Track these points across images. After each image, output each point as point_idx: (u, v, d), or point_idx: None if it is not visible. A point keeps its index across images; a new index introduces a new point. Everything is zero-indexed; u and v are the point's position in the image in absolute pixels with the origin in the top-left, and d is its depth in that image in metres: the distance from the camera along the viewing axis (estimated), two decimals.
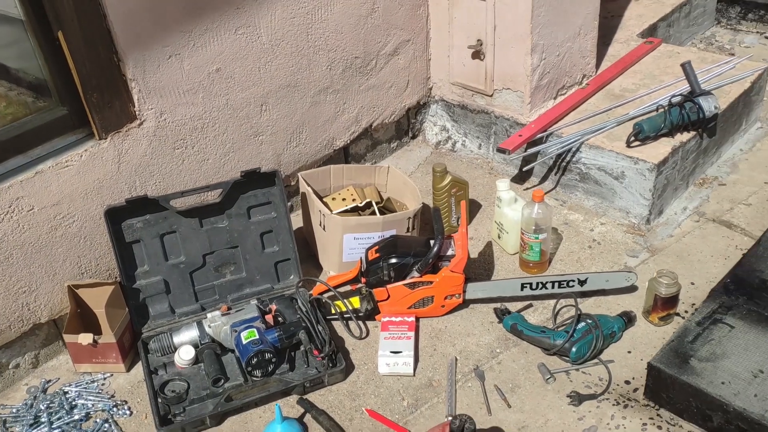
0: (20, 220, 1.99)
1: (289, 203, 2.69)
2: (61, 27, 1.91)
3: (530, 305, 2.32)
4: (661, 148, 2.55)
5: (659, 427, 1.91)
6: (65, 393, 2.09)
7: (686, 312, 2.23)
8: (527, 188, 2.83)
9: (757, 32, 3.86)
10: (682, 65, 2.65)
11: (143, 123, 2.16)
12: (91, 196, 2.12)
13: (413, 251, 2.23)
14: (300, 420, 1.98)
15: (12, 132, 1.98)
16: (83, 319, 2.19)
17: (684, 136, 2.61)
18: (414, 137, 3.16)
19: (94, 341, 2.08)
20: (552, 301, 2.29)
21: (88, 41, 1.96)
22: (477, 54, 2.81)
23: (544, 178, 2.83)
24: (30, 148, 2.01)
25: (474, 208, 2.77)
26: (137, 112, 2.13)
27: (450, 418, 1.78)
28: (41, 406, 2.05)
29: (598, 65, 3.08)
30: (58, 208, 2.06)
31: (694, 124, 2.61)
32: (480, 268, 2.50)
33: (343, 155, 2.86)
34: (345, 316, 2.27)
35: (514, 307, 2.30)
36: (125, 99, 2.09)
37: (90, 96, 2.02)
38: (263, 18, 2.33)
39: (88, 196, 2.11)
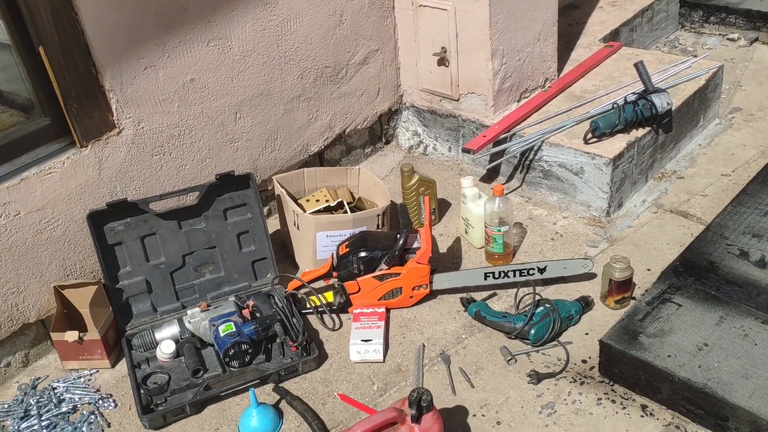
0: (7, 224, 2.12)
1: (266, 207, 2.83)
2: (42, 43, 2.05)
3: (494, 294, 2.44)
4: (617, 143, 2.69)
5: (613, 401, 2.02)
6: (53, 388, 2.21)
7: (638, 300, 2.35)
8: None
9: (719, 34, 4.01)
10: (635, 65, 2.80)
11: (122, 131, 2.29)
12: (74, 201, 2.25)
13: (381, 245, 2.35)
14: (275, 406, 2.09)
15: None
16: (69, 318, 2.30)
17: (639, 132, 2.75)
18: (387, 142, 3.30)
19: (80, 338, 2.19)
20: (514, 290, 2.41)
21: (67, 55, 2.10)
22: (442, 61, 2.96)
23: (510, 177, 2.96)
24: (15, 157, 2.14)
25: (444, 206, 2.90)
26: (116, 121, 2.27)
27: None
28: (31, 401, 2.16)
29: (560, 69, 3.22)
30: (43, 212, 2.19)
31: (648, 120, 2.75)
32: (449, 262, 2.63)
33: (319, 160, 3.00)
34: (319, 309, 2.39)
35: (479, 297, 2.42)
36: (104, 109, 2.23)
37: (70, 106, 2.15)
38: (234, 30, 2.47)
39: (71, 200, 2.24)
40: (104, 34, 2.15)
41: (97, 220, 2.25)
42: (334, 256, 2.40)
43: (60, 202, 2.22)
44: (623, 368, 2.02)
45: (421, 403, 1.69)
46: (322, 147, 2.98)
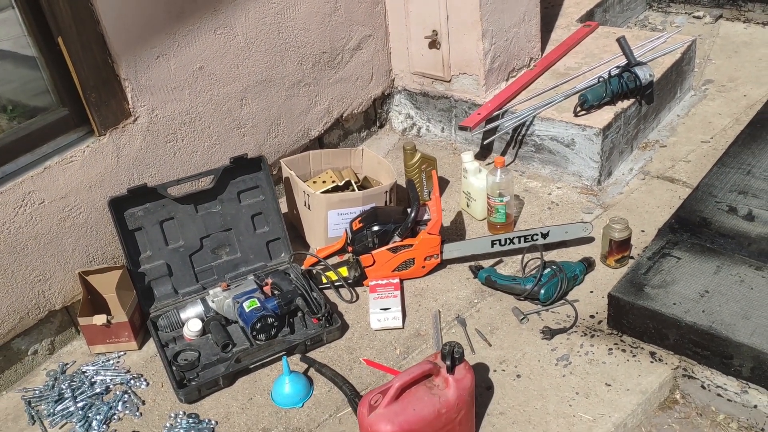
0: (33, 213, 2.17)
1: None
2: (61, 33, 2.10)
3: (500, 261, 2.57)
4: (605, 114, 2.84)
5: (623, 350, 2.16)
6: (84, 372, 2.26)
7: (639, 255, 2.50)
8: (489, 163, 3.09)
9: (686, 13, 4.20)
10: (617, 40, 2.95)
11: (137, 119, 2.35)
12: (95, 189, 2.31)
13: (393, 219, 2.46)
14: (305, 374, 2.18)
15: (21, 132, 2.17)
16: (93, 304, 2.36)
17: (625, 104, 2.90)
18: (381, 126, 3.40)
19: (108, 322, 2.25)
20: (519, 257, 2.54)
21: (84, 45, 2.16)
22: (433, 44, 3.07)
23: (503, 153, 3.09)
24: (37, 146, 2.19)
25: (442, 184, 3.02)
26: (132, 109, 2.33)
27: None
28: (63, 385, 2.22)
29: (543, 49, 3.36)
30: (66, 200, 2.24)
31: (633, 92, 2.90)
32: (453, 234, 2.74)
33: (318, 144, 3.09)
34: (336, 284, 2.48)
35: (486, 264, 2.54)
36: (120, 97, 2.29)
37: (89, 96, 2.21)
38: (238, 19, 2.55)
39: (92, 188, 2.29)
40: (119, 24, 2.21)
41: (118, 206, 2.31)
42: (348, 231, 2.50)
43: (82, 190, 2.27)
44: (632, 318, 2.15)
45: (454, 355, 1.80)
46: (322, 131, 3.07)
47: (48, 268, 2.26)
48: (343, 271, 2.49)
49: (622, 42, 2.93)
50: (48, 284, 2.27)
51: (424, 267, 2.49)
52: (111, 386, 2.22)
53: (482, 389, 2.08)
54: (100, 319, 2.24)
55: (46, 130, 2.20)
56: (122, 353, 2.33)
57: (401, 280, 2.49)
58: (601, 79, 2.91)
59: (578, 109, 2.84)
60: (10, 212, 2.13)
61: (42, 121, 2.20)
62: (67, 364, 2.33)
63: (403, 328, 2.33)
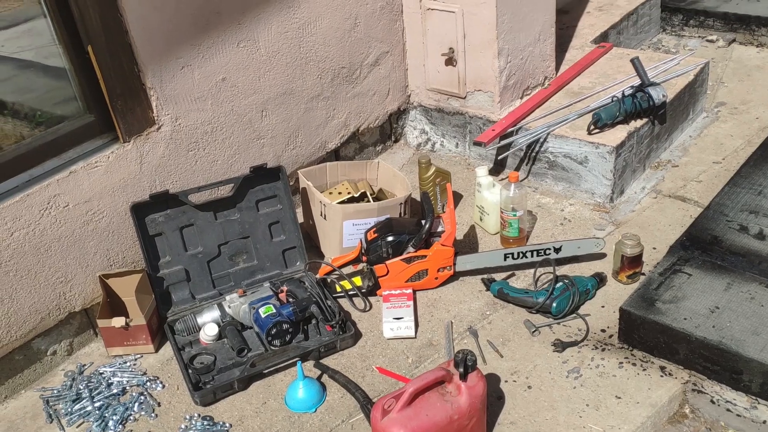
0: (57, 216, 2.23)
1: None
2: (91, 42, 2.17)
3: (513, 274, 2.60)
4: (618, 133, 2.88)
5: (633, 364, 2.19)
6: (101, 373, 2.30)
7: (650, 272, 2.53)
8: (502, 178, 3.14)
9: (699, 36, 4.26)
10: (632, 60, 3.00)
11: (161, 127, 2.41)
12: (118, 194, 2.36)
13: (407, 230, 2.50)
14: (318, 380, 2.21)
15: (48, 137, 2.23)
16: (112, 307, 2.40)
17: (638, 123, 2.94)
18: (396, 141, 3.46)
19: (127, 324, 2.29)
20: (531, 270, 2.57)
21: (113, 54, 2.22)
22: (450, 61, 3.13)
23: (516, 169, 3.13)
24: (63, 151, 2.25)
25: (456, 198, 3.06)
26: (156, 118, 2.39)
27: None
28: (80, 385, 2.26)
29: (558, 68, 3.42)
30: (90, 204, 2.30)
31: (646, 112, 2.95)
32: (466, 248, 2.78)
33: (335, 157, 3.14)
34: (350, 293, 2.52)
35: (498, 277, 2.57)
36: (145, 106, 2.35)
37: (115, 103, 2.27)
38: (261, 32, 2.62)
39: (114, 193, 2.35)
40: (146, 35, 2.28)
41: (140, 211, 2.37)
42: (363, 241, 2.54)
43: (105, 195, 2.33)
44: (643, 333, 2.18)
45: (467, 363, 1.83)
46: (339, 144, 3.12)
47: (70, 270, 2.31)
48: (357, 280, 2.53)
49: (635, 63, 2.98)
50: (69, 286, 2.32)
51: (437, 278, 2.53)
52: (127, 388, 2.26)
53: (493, 399, 2.10)
54: (119, 322, 2.29)
55: (73, 136, 2.26)
56: (139, 356, 2.37)
57: (414, 291, 2.52)
58: (614, 99, 2.96)
59: (592, 127, 2.89)
60: (36, 214, 2.19)
61: (69, 126, 2.27)
62: (85, 365, 2.37)
63: (415, 337, 2.36)
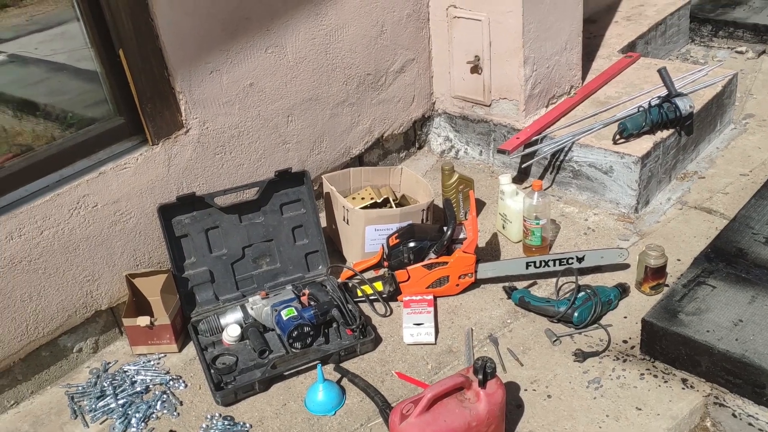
0: (86, 216, 2.27)
1: None
2: (122, 46, 2.22)
3: (534, 283, 2.59)
4: (644, 143, 2.86)
5: (655, 376, 2.17)
6: (125, 371, 2.34)
7: (674, 283, 2.51)
8: (525, 187, 3.13)
9: (728, 48, 4.22)
10: (659, 70, 2.99)
11: (189, 131, 2.46)
12: (145, 195, 2.41)
13: (429, 236, 2.51)
14: (338, 384, 2.23)
15: (79, 138, 2.28)
16: (137, 306, 2.45)
17: (664, 134, 2.92)
18: (420, 147, 3.47)
19: (151, 323, 2.33)
20: (553, 280, 2.56)
21: (143, 58, 2.27)
22: (475, 68, 3.14)
23: (540, 177, 3.13)
24: (93, 152, 2.30)
25: (478, 205, 3.06)
26: (184, 121, 2.43)
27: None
28: (104, 383, 2.30)
29: (584, 77, 3.41)
30: (118, 205, 2.34)
31: (672, 122, 2.93)
32: (488, 255, 2.78)
33: (358, 163, 3.17)
34: (371, 297, 2.53)
35: (520, 285, 2.57)
36: (174, 109, 2.39)
37: (145, 106, 2.32)
38: (289, 38, 2.65)
39: (142, 194, 2.40)
40: (177, 40, 2.32)
41: (167, 213, 2.41)
42: (385, 247, 2.56)
43: (133, 196, 2.37)
44: (664, 344, 2.16)
45: (486, 370, 1.83)
46: (363, 150, 3.15)
47: (97, 269, 2.36)
48: (378, 285, 2.54)
49: (663, 73, 2.97)
50: (96, 285, 2.37)
51: (458, 285, 2.53)
52: (151, 386, 2.29)
53: (512, 407, 2.10)
54: (144, 321, 2.33)
55: (103, 138, 2.31)
56: (163, 355, 2.41)
57: (435, 297, 2.53)
58: (641, 109, 2.95)
59: (617, 137, 2.87)
60: (65, 214, 2.24)
61: (99, 128, 2.32)
62: (109, 362, 2.41)
63: (435, 343, 2.37)
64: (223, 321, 2.40)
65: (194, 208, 2.46)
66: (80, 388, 2.32)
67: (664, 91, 3.01)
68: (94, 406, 2.23)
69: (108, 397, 2.24)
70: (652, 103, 2.95)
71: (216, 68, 2.46)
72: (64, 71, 2.39)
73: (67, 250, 2.27)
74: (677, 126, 2.96)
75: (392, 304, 2.55)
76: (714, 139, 3.32)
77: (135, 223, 2.41)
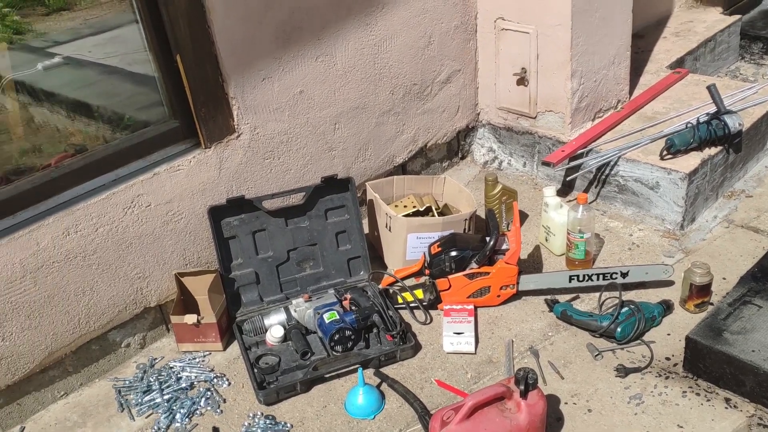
0: (140, 215, 2.35)
1: None
2: (179, 51, 2.29)
3: (577, 297, 2.59)
4: (692, 160, 2.84)
5: (697, 394, 2.15)
6: (171, 367, 2.41)
7: (719, 302, 2.48)
8: (569, 200, 3.13)
9: None
10: (708, 87, 2.96)
11: (240, 136, 2.52)
12: (197, 197, 2.47)
13: (471, 246, 2.53)
14: (377, 388, 2.25)
15: (135, 140, 2.36)
16: (185, 304, 2.51)
17: (712, 151, 2.90)
18: (463, 158, 3.49)
19: (198, 322, 2.39)
20: (596, 294, 2.55)
21: (199, 63, 2.34)
22: (521, 81, 3.15)
23: (585, 191, 3.12)
24: (148, 153, 2.37)
25: (521, 217, 3.06)
26: (236, 126, 2.50)
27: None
28: (151, 378, 2.36)
29: (631, 92, 3.39)
30: (170, 205, 2.41)
31: (721, 140, 2.90)
32: (530, 268, 2.78)
33: (402, 171, 3.20)
34: (411, 305, 2.56)
35: (562, 299, 2.57)
36: (227, 114, 2.46)
37: (199, 110, 2.38)
38: (339, 48, 2.71)
39: (194, 196, 2.46)
40: (231, 46, 2.39)
41: (216, 214, 2.47)
42: (426, 255, 2.58)
43: (185, 197, 2.44)
44: (708, 362, 2.14)
45: (528, 380, 1.84)
46: (406, 159, 3.18)
47: (148, 267, 2.43)
48: (419, 293, 2.57)
49: (712, 90, 2.94)
50: (146, 282, 2.44)
51: (499, 296, 2.54)
52: (195, 383, 2.35)
53: (552, 420, 2.10)
54: (191, 319, 2.38)
55: (158, 140, 2.38)
56: (208, 353, 2.46)
57: (475, 307, 2.54)
58: (689, 125, 2.92)
59: (664, 152, 2.86)
60: (120, 212, 2.31)
61: (154, 131, 2.39)
62: (156, 358, 2.48)
63: (475, 353, 2.38)
64: (267, 322, 2.45)
65: (243, 210, 2.51)
66: (127, 382, 2.38)
67: (712, 108, 2.99)
68: (140, 401, 2.29)
69: (154, 392, 2.30)
70: (701, 120, 2.92)
71: (268, 75, 2.52)
72: (116, 74, 2.48)
73: (120, 248, 2.35)
74: (725, 143, 2.92)
75: (432, 313, 2.57)
76: (762, 158, 3.27)
77: (186, 223, 2.47)
